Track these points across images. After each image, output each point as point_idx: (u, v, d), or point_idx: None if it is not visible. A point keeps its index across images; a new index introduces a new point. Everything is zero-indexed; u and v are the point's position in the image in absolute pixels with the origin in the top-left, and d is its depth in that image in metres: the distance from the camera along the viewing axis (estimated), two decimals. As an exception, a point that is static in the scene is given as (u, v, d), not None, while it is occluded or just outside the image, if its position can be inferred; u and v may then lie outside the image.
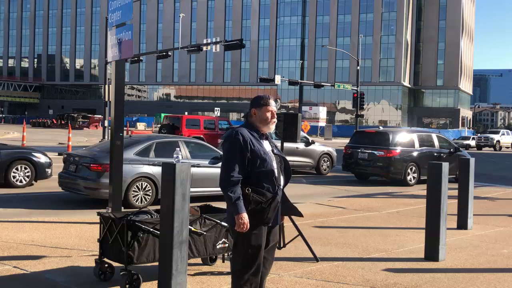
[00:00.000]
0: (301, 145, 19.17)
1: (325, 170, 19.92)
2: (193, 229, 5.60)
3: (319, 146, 20.37)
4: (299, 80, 61.53)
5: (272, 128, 4.41)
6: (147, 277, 5.63)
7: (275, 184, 4.28)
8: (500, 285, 6.09)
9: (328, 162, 19.98)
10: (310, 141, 20.00)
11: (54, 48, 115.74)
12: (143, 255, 5.36)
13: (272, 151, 4.37)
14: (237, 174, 4.15)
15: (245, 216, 4.10)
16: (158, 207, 5.42)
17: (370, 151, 17.19)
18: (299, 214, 4.71)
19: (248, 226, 4.13)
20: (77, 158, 11.02)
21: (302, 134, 21.53)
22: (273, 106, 4.41)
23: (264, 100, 4.38)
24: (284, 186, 4.44)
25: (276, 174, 4.29)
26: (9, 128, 54.18)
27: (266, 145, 4.36)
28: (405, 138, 17.51)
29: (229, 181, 4.13)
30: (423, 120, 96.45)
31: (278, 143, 6.11)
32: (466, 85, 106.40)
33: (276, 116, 4.43)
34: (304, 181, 17.64)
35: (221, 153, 12.47)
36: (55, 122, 71.90)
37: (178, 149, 10.88)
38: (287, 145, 18.81)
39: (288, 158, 19.78)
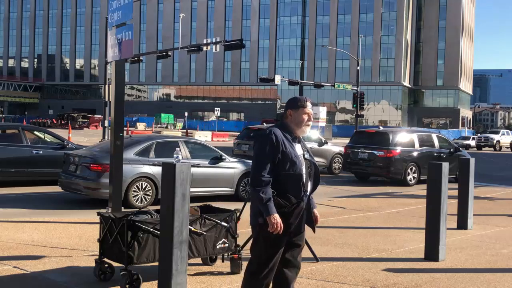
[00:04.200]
0: (314, 145, 19.37)
1: (335, 169, 20.14)
2: (193, 229, 5.60)
3: (332, 146, 20.64)
4: (299, 80, 61.43)
5: (307, 131, 4.28)
6: (147, 277, 5.63)
7: (302, 189, 4.15)
8: (500, 285, 6.09)
9: (339, 162, 20.14)
10: (323, 141, 20.13)
11: (54, 48, 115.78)
12: (143, 255, 5.36)
13: (303, 155, 4.23)
14: (268, 174, 4.03)
15: (277, 217, 3.99)
16: (158, 207, 5.42)
17: (370, 151, 17.18)
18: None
19: (282, 227, 4.01)
20: (77, 158, 11.01)
21: (316, 134, 21.61)
22: (310, 108, 4.25)
23: (301, 101, 4.24)
24: (310, 193, 4.31)
25: (304, 180, 4.17)
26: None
27: (298, 148, 4.22)
28: (405, 138, 17.50)
29: (260, 181, 4.01)
30: (423, 120, 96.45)
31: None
32: (466, 85, 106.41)
33: (312, 119, 4.30)
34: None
35: (221, 153, 12.42)
36: (55, 122, 71.93)
37: (178, 149, 10.88)
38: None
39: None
